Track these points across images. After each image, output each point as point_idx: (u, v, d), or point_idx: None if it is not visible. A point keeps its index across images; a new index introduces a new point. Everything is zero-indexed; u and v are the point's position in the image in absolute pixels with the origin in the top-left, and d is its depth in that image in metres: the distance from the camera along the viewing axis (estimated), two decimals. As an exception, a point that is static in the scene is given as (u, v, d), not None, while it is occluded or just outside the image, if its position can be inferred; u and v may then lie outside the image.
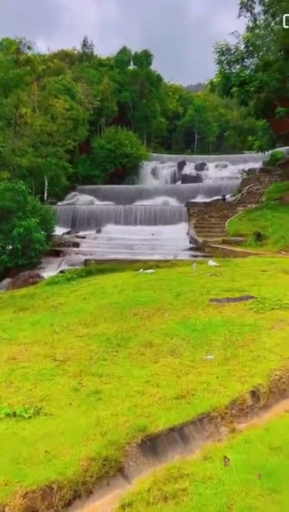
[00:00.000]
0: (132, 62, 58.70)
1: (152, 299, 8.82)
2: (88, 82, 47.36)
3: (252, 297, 8.38)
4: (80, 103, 42.92)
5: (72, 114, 35.02)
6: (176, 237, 22.77)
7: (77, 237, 23.59)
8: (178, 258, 15.70)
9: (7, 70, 22.86)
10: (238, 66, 22.67)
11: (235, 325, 6.75)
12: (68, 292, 10.53)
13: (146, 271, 11.80)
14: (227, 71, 22.95)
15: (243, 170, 39.65)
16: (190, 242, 21.47)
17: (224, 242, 19.44)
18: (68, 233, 24.74)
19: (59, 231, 25.04)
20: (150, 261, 12.42)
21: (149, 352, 5.96)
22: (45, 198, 35.59)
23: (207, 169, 48.23)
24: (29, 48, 28.64)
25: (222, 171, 47.45)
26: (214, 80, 23.12)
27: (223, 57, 22.69)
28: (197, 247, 20.17)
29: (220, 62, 23.09)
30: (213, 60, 23.02)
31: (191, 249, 20.22)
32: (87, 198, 39.25)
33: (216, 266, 12.00)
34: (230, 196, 30.87)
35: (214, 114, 74.76)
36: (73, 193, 41.70)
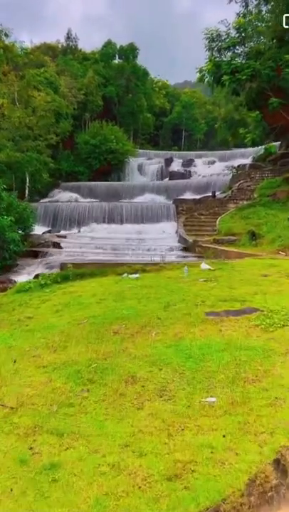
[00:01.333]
0: (117, 56, 57.00)
1: (137, 311, 7.39)
2: (72, 76, 45.59)
3: (256, 309, 6.98)
4: (63, 96, 41.18)
5: (53, 106, 33.21)
6: (164, 236, 21.36)
7: (58, 236, 21.97)
8: (166, 260, 14.31)
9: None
10: (229, 53, 21.26)
11: (240, 349, 5.34)
12: (39, 302, 9.02)
13: (130, 276, 10.35)
14: (217, 59, 21.53)
15: (232, 166, 38.44)
16: (179, 242, 20.07)
17: (216, 241, 18.07)
18: (49, 232, 23.10)
19: (39, 230, 23.46)
20: (135, 264, 10.97)
21: (130, 391, 4.51)
22: (26, 195, 33.92)
23: (195, 166, 46.88)
24: (6, 35, 26.90)
25: (210, 168, 46.13)
26: (204, 67, 21.68)
27: (213, 44, 21.28)
28: (187, 247, 18.80)
29: (210, 49, 21.66)
30: (202, 50, 21.63)
31: (180, 249, 18.85)
32: (71, 195, 37.65)
33: (210, 269, 10.59)
34: (220, 193, 29.58)
35: (202, 110, 73.58)
36: (56, 190, 40.03)
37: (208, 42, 21.36)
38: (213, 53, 21.80)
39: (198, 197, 27.51)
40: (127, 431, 3.71)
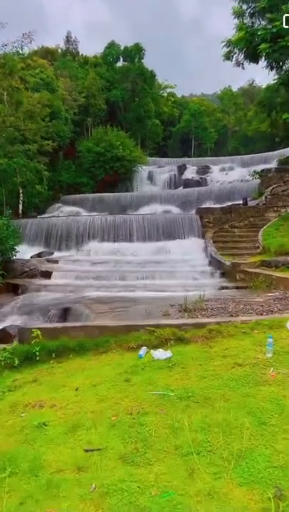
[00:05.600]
0: (121, 59, 52.43)
1: None
2: (72, 78, 41.05)
3: None
4: (62, 100, 36.57)
5: (46, 100, 28.21)
6: (189, 257, 16.08)
7: (48, 261, 16.83)
8: (200, 293, 9.18)
9: None
10: (267, 15, 16.25)
11: None
12: None
13: (154, 354, 5.20)
14: (248, 28, 16.57)
15: (254, 171, 33.41)
16: (210, 264, 14.83)
17: (265, 264, 12.85)
18: (38, 256, 18.03)
19: (28, 252, 18.43)
20: (162, 327, 5.74)
21: None
22: (20, 212, 29.11)
23: (211, 172, 41.87)
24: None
25: (228, 175, 41.12)
26: (232, 38, 16.74)
27: (244, 6, 16.36)
28: (223, 272, 13.57)
29: (239, 15, 16.77)
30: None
31: (213, 275, 13.61)
32: (73, 209, 32.72)
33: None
34: (250, 200, 24.52)
35: (211, 119, 69.89)
36: (57, 204, 35.18)
37: (239, 3, 16.46)
38: (243, 19, 16.91)
39: (224, 205, 22.30)
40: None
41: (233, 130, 73.67)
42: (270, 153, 46.12)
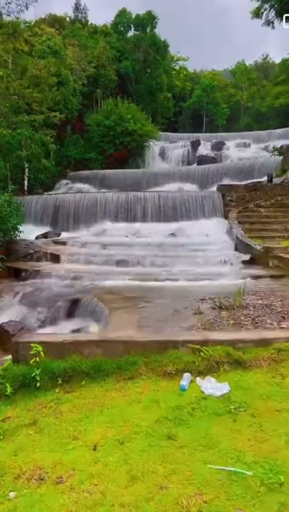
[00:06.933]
0: (132, 28, 49.63)
1: None
2: (81, 47, 38.71)
3: None
4: (71, 70, 34.42)
5: (53, 64, 26.15)
6: (211, 239, 14.43)
7: (55, 243, 15.25)
8: (230, 283, 7.64)
9: None
10: None
11: None
12: None
13: (203, 385, 3.67)
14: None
15: (274, 147, 31.43)
16: (236, 248, 13.19)
17: (302, 249, 11.23)
18: (44, 237, 16.46)
19: (33, 232, 16.88)
20: (211, 343, 4.17)
21: None
22: (26, 188, 27.46)
23: (227, 149, 39.72)
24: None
25: (245, 151, 39.02)
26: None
27: None
28: (252, 258, 11.91)
29: None
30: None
31: (241, 260, 11.96)
32: (81, 186, 31.03)
33: None
34: (274, 177, 22.74)
35: (223, 94, 67.07)
36: (64, 180, 33.47)
37: None
38: None
39: (248, 182, 20.45)
40: None
41: (246, 106, 70.86)
42: (288, 128, 43.97)
